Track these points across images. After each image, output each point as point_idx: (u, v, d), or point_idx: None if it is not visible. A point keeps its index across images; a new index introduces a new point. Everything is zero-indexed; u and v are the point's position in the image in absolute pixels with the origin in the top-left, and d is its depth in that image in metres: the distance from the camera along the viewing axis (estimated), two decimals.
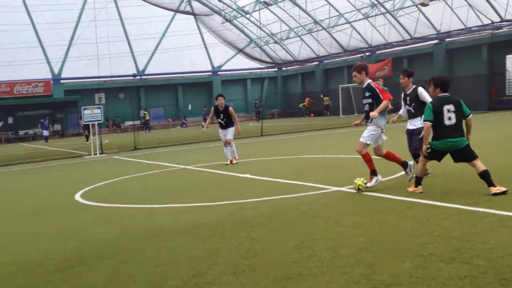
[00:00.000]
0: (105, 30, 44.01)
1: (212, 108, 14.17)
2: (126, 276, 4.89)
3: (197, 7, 47.94)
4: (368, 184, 8.04)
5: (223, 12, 47.07)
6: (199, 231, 6.42)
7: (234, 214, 7.23)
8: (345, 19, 40.96)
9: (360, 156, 8.35)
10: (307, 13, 42.22)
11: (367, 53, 43.72)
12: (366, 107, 8.28)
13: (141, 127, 43.17)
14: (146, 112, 45.79)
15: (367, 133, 8.13)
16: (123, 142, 26.36)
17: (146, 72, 50.27)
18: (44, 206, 9.52)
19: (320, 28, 43.44)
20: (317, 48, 46.70)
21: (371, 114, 7.96)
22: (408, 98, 9.03)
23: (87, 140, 22.68)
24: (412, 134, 9.03)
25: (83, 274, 5.11)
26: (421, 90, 8.93)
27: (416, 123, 8.97)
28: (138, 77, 50.23)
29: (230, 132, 13.81)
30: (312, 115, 46.87)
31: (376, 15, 38.86)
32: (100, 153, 21.13)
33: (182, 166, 14.10)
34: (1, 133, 43.64)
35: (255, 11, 43.85)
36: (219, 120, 13.91)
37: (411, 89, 9.02)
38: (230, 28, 49.22)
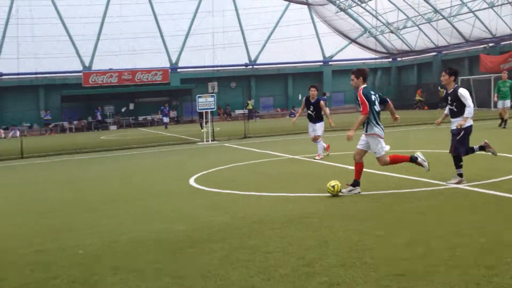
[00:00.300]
0: (220, 20, 45.31)
1: (304, 98, 13.86)
2: (237, 261, 5.00)
3: None
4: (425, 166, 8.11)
5: (337, 1, 46.38)
6: (308, 221, 6.40)
7: (343, 206, 7.13)
8: (468, 8, 38.62)
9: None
10: (427, 2, 40.38)
11: (490, 44, 40.97)
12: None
13: (249, 116, 43.95)
14: (249, 102, 46.51)
15: (375, 147, 8.00)
16: (233, 130, 27.02)
17: (257, 62, 51.08)
18: (161, 189, 10.04)
19: (440, 17, 41.34)
20: (436, 38, 44.53)
21: (347, 134, 8.08)
22: (449, 98, 8.53)
23: (202, 128, 23.42)
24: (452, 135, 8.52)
25: (196, 255, 5.31)
26: (462, 91, 8.36)
27: (456, 124, 8.41)
28: (250, 67, 51.17)
29: (318, 127, 13.34)
30: (426, 107, 44.93)
31: (502, 4, 36.19)
32: (212, 140, 21.84)
33: (290, 156, 14.15)
34: (122, 118, 46.65)
35: None
36: (309, 111, 13.48)
37: (452, 89, 8.47)
38: (344, 18, 48.42)
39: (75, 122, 45.23)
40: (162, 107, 40.47)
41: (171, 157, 16.79)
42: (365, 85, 8.09)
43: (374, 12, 44.53)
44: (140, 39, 45.79)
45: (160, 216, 7.45)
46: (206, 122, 22.85)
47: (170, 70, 48.52)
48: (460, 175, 8.36)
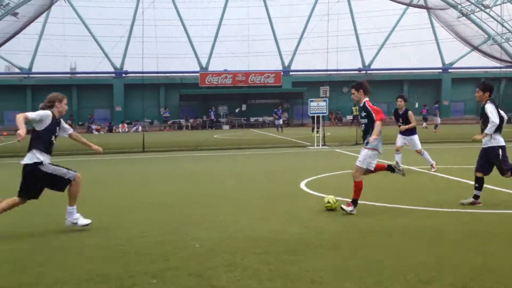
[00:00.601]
0: (335, 24, 44.99)
1: (393, 110, 13.35)
2: (349, 270, 4.95)
3: (432, 0, 45.86)
4: (346, 208, 7.55)
5: (459, 6, 44.16)
6: (424, 235, 6.18)
7: (466, 224, 6.78)
8: None
9: None
10: None
11: None
12: (363, 127, 7.94)
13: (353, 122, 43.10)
14: (354, 108, 45.61)
15: (363, 157, 7.75)
16: (344, 136, 26.70)
17: (371, 67, 50.08)
18: (273, 190, 10.17)
19: None
20: None
21: (370, 139, 7.59)
22: (481, 114, 8.13)
23: (313, 132, 23.31)
24: (485, 154, 8.00)
25: (308, 260, 5.33)
26: (488, 106, 7.93)
27: (486, 141, 7.96)
28: (363, 72, 50.30)
29: (415, 141, 12.79)
30: None
31: None
32: (322, 145, 21.77)
33: (405, 166, 13.65)
34: (235, 118, 47.95)
35: (496, 5, 40.21)
36: (399, 123, 12.99)
37: (482, 105, 8.04)
38: (466, 23, 46.00)
39: (191, 120, 47.27)
40: (275, 110, 40.93)
41: (283, 160, 16.96)
42: (367, 98, 7.91)
43: (499, 18, 41.84)
44: (254, 42, 46.84)
45: (273, 217, 7.56)
46: (318, 127, 22.80)
47: (282, 73, 49.07)
48: None
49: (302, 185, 10.63)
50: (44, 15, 42.19)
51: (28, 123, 6.51)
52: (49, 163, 6.64)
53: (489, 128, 7.79)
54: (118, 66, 47.71)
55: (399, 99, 12.93)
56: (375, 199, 8.79)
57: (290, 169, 14.00)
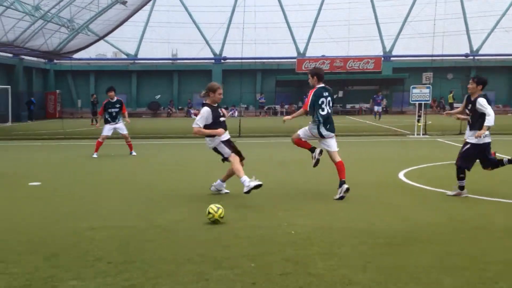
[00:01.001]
0: (442, 6, 42.90)
1: (466, 96, 12.32)
2: (449, 266, 4.73)
3: None
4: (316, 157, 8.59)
5: None
6: None
7: None
8: None
9: None
10: None
11: None
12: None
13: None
14: (450, 95, 43.09)
15: (301, 129, 8.51)
16: (448, 125, 25.43)
17: (480, 52, 47.25)
18: (369, 180, 9.92)
19: None
20: None
21: (284, 117, 8.81)
22: (470, 106, 8.34)
23: (418, 122, 22.35)
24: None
25: (406, 254, 5.15)
26: (481, 101, 8.11)
27: (469, 136, 8.21)
28: (471, 58, 47.59)
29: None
30: None
31: None
32: (423, 134, 20.95)
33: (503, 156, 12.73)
34: None
35: None
36: (467, 110, 11.99)
37: (474, 98, 8.24)
38: None
39: (286, 106, 47.39)
40: (374, 96, 39.76)
41: (380, 148, 16.52)
42: (320, 85, 8.27)
43: None
44: (354, 26, 45.82)
45: (370, 208, 7.38)
46: (419, 115, 21.90)
47: (382, 59, 47.65)
48: (461, 187, 8.02)
49: (401, 175, 10.30)
50: (150, 3, 43.98)
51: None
52: (222, 141, 8.11)
53: (489, 121, 7.98)
54: (218, 52, 48.76)
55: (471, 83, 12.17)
56: (485, 193, 8.31)
57: (387, 158, 13.61)
